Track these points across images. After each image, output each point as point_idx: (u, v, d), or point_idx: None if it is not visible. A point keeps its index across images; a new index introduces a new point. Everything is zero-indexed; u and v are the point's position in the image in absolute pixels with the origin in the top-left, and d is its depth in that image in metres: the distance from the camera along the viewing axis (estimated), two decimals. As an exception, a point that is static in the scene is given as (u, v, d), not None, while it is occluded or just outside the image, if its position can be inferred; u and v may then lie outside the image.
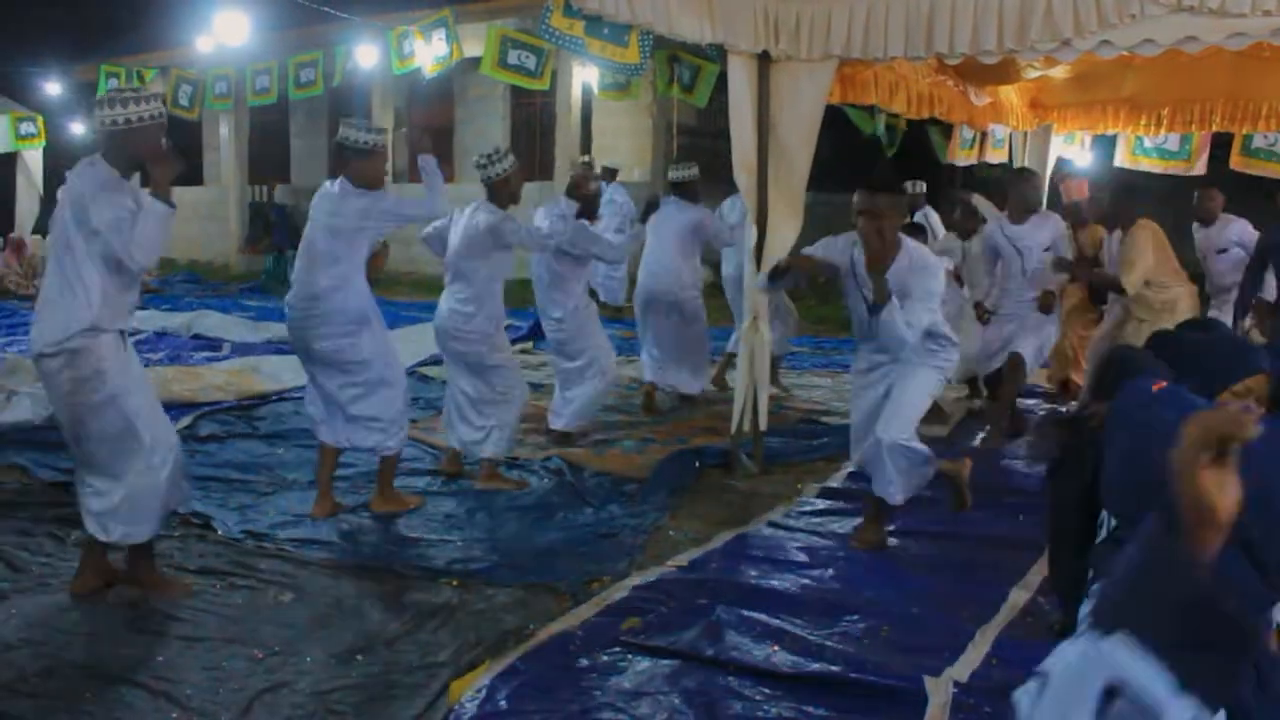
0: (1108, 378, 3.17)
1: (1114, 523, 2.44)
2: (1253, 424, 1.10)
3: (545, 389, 6.57)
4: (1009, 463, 5.44)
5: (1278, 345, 5.12)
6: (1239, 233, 6.62)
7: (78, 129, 17.44)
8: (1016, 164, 8.09)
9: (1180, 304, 5.62)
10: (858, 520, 4.37)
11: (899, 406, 3.93)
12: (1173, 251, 5.76)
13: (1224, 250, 6.64)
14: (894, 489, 3.95)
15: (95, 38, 18.59)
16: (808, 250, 4.14)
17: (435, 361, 7.20)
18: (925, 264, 3.84)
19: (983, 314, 5.96)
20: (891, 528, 4.26)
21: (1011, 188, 5.98)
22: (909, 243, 3.90)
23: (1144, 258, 5.52)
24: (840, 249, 3.97)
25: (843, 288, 4.03)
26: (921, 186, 7.66)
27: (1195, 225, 6.82)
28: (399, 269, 13.72)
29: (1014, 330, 5.82)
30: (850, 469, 5.16)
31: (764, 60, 4.77)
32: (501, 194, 4.90)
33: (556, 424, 5.72)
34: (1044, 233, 5.81)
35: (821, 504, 4.63)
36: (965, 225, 6.63)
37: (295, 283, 4.30)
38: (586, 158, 12.44)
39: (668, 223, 6.43)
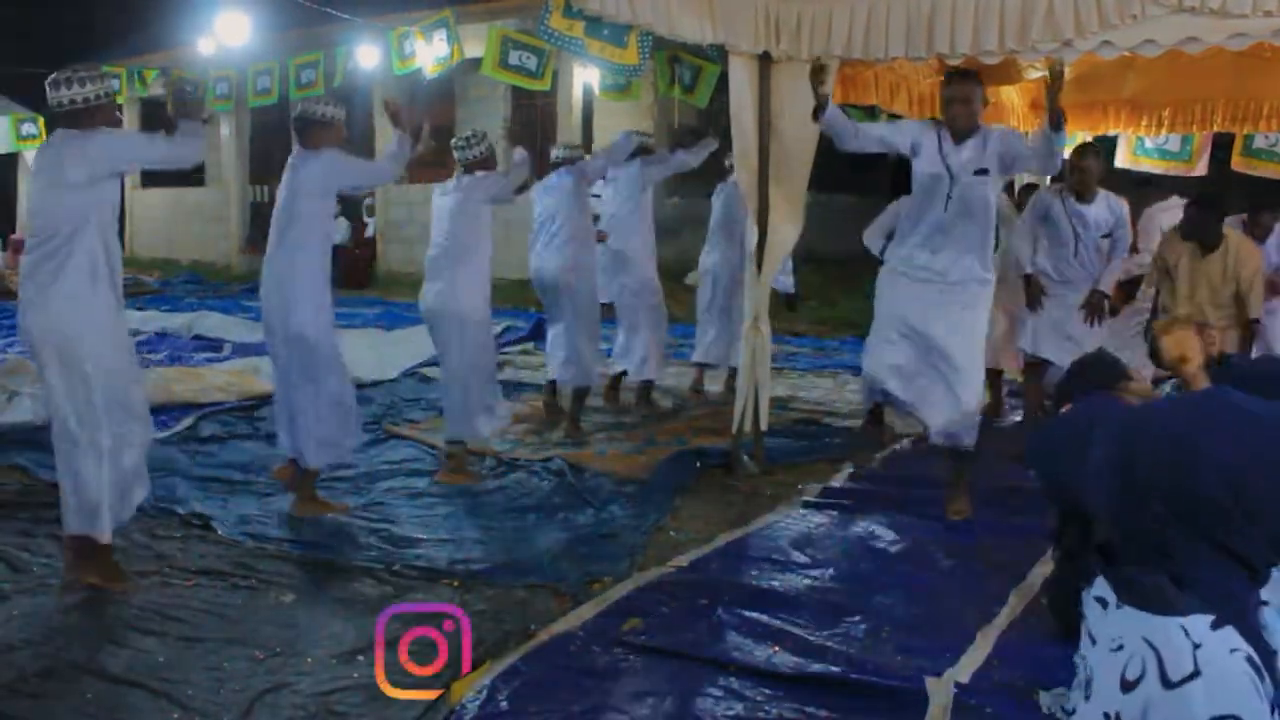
0: (1070, 388, 3.22)
1: None
2: None
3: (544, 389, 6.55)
4: (1008, 463, 5.43)
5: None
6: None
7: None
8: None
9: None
10: (859, 520, 4.37)
11: (968, 373, 4.26)
12: None
13: None
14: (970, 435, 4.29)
15: (95, 38, 18.61)
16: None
17: (434, 363, 7.20)
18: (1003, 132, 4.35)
19: (1038, 290, 5.47)
20: (892, 528, 4.26)
21: (1084, 159, 5.56)
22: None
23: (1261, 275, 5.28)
24: (915, 129, 4.40)
25: (919, 178, 4.31)
26: None
27: None
28: (399, 269, 13.75)
29: (1062, 319, 5.48)
30: (851, 469, 5.17)
31: (765, 61, 4.77)
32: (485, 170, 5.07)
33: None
34: (1106, 214, 5.44)
35: (822, 504, 4.62)
36: None
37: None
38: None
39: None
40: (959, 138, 4.29)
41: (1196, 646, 1.40)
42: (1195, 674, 1.37)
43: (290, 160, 4.39)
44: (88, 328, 3.38)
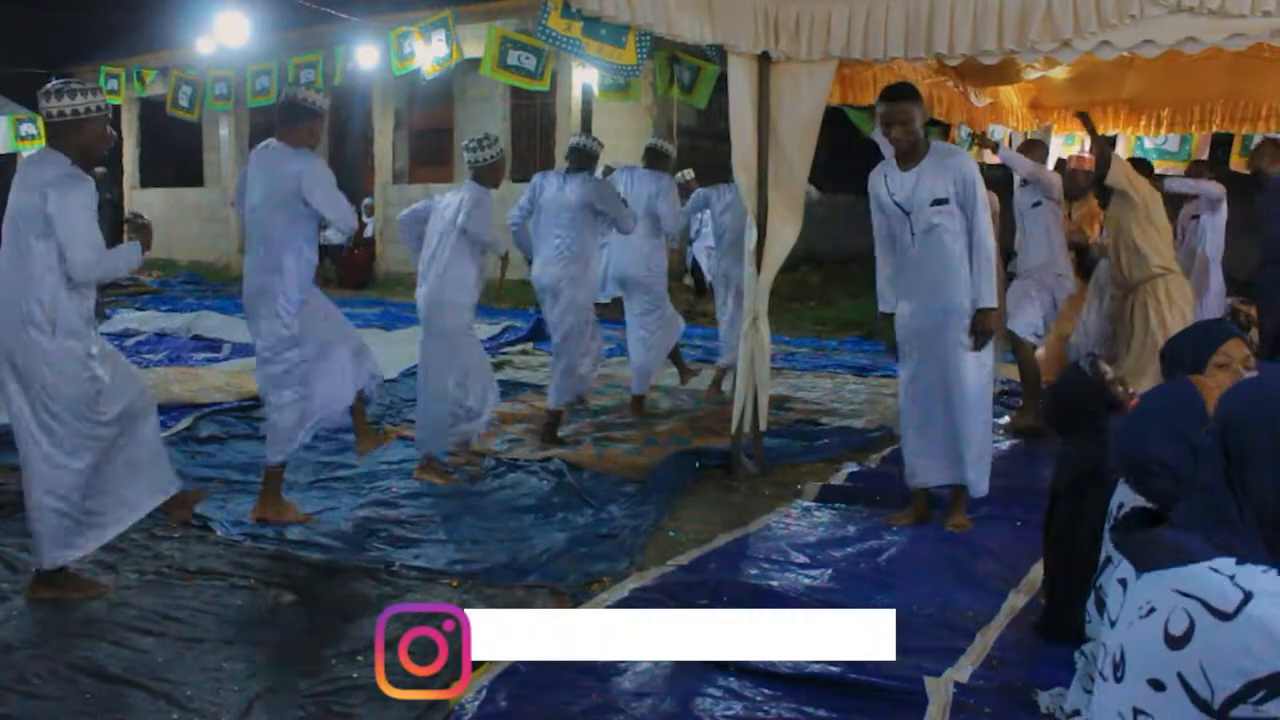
0: (1064, 405, 3.21)
1: (1121, 511, 2.46)
2: None
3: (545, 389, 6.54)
4: (1009, 463, 5.43)
5: None
6: None
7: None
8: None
9: (1166, 286, 5.38)
10: (858, 520, 4.37)
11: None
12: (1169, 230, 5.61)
13: None
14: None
15: (95, 38, 18.63)
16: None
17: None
18: (954, 151, 4.11)
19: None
20: (891, 527, 4.27)
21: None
22: (937, 143, 4.10)
23: (1135, 182, 5.39)
24: (872, 182, 4.10)
25: (883, 229, 4.13)
26: None
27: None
28: (398, 269, 13.75)
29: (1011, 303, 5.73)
30: (851, 469, 5.17)
31: (764, 61, 4.77)
32: (489, 179, 5.01)
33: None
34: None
35: (822, 505, 4.63)
36: None
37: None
38: (586, 159, 12.45)
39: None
40: (905, 164, 3.99)
41: (1232, 578, 1.36)
42: (1248, 596, 1.33)
43: (266, 152, 4.17)
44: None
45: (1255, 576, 1.34)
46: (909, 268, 4.10)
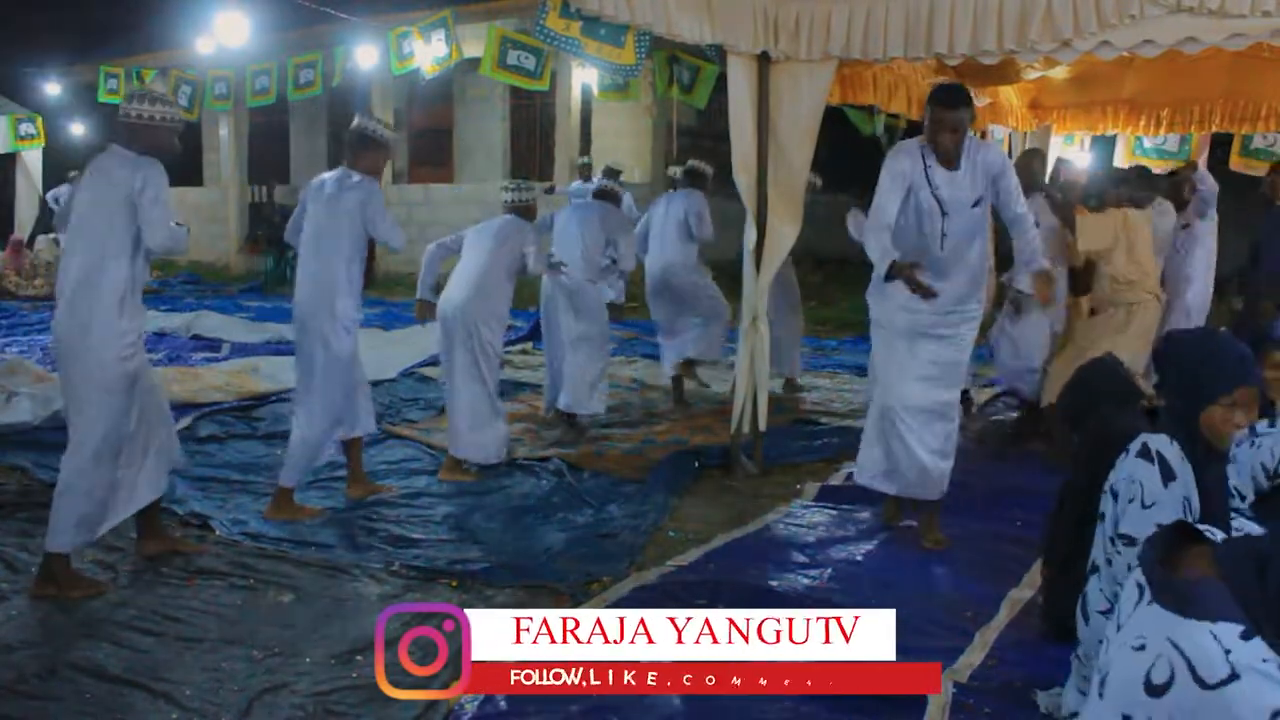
0: (1078, 403, 3.20)
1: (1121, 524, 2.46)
2: None
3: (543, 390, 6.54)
4: (1008, 464, 5.44)
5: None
6: None
7: (77, 130, 17.40)
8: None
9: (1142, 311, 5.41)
10: (857, 520, 4.37)
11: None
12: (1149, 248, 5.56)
13: None
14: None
15: (95, 38, 18.59)
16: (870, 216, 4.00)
17: (434, 362, 7.20)
18: (984, 146, 4.00)
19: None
20: (890, 527, 4.26)
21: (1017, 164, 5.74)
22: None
23: (1095, 236, 5.36)
24: (903, 163, 3.91)
25: (909, 211, 3.92)
26: None
27: None
28: (399, 269, 13.75)
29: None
30: (850, 469, 5.16)
31: (764, 61, 4.77)
32: (528, 215, 5.39)
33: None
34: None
35: (821, 504, 4.63)
36: None
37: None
38: (586, 159, 12.45)
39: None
40: (949, 163, 3.89)
41: (1227, 652, 1.35)
42: (1234, 676, 1.33)
43: (336, 177, 4.46)
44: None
45: (1251, 658, 1.33)
46: (930, 266, 3.90)
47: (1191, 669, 1.35)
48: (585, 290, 5.90)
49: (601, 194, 6.37)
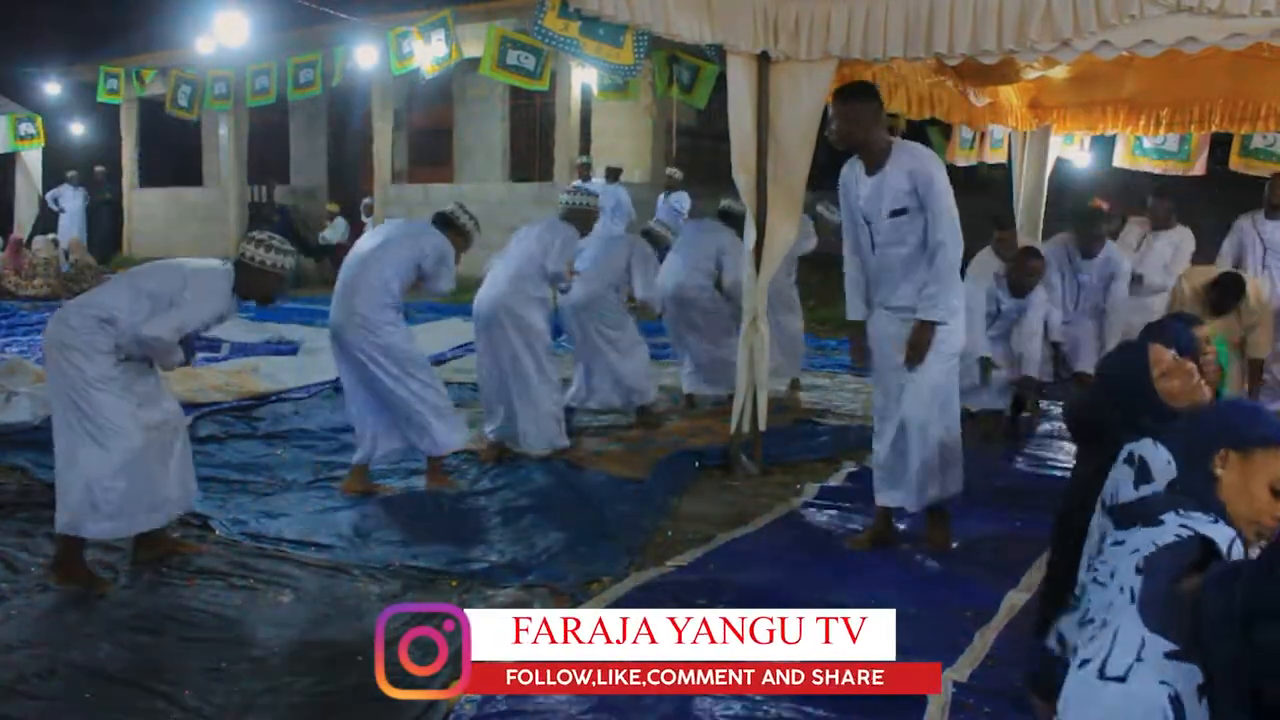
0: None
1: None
2: None
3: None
4: (1007, 464, 5.44)
5: None
6: None
7: (76, 130, 17.42)
8: (1016, 165, 8.06)
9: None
10: (857, 520, 4.37)
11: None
12: None
13: None
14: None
15: (95, 38, 18.58)
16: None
17: (438, 360, 7.21)
18: (917, 153, 3.75)
19: None
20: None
21: (1089, 223, 5.87)
22: (905, 143, 3.85)
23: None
24: (846, 180, 3.87)
25: (851, 232, 3.93)
26: None
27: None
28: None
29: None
30: (850, 469, 5.18)
31: (763, 61, 4.77)
32: (584, 225, 5.45)
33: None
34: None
35: (821, 504, 4.63)
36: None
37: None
38: (585, 159, 12.45)
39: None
40: (869, 167, 3.72)
41: (1139, 654, 1.52)
42: (1126, 678, 1.47)
43: (422, 227, 4.81)
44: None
45: (1161, 665, 1.40)
46: (870, 276, 3.92)
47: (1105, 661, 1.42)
48: (605, 299, 5.97)
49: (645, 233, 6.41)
